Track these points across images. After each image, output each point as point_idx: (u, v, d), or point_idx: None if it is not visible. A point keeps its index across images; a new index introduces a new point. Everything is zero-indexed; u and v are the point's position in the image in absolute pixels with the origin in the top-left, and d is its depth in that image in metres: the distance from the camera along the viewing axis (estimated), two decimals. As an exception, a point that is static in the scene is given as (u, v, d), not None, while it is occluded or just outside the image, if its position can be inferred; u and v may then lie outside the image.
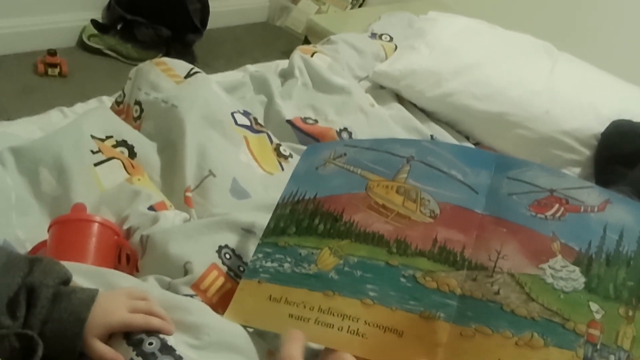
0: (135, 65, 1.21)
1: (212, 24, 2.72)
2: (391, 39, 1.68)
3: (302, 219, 0.75)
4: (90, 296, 0.65)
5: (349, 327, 0.65)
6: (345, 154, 0.78)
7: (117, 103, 1.16)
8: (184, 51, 2.59)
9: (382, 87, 1.53)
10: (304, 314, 0.68)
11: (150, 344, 0.64)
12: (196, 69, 1.17)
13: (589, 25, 2.18)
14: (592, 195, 0.67)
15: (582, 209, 0.66)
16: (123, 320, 0.65)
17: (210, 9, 2.68)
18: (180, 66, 1.17)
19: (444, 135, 1.44)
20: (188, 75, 1.15)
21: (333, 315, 0.66)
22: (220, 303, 0.78)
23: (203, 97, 1.09)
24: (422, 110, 1.50)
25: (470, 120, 1.47)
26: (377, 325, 0.64)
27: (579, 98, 1.45)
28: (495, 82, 1.45)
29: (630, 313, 0.61)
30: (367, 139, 0.81)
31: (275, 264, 0.73)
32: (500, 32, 1.66)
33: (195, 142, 1.02)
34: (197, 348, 0.65)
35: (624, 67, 1.73)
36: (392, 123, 1.36)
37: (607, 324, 0.60)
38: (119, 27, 2.56)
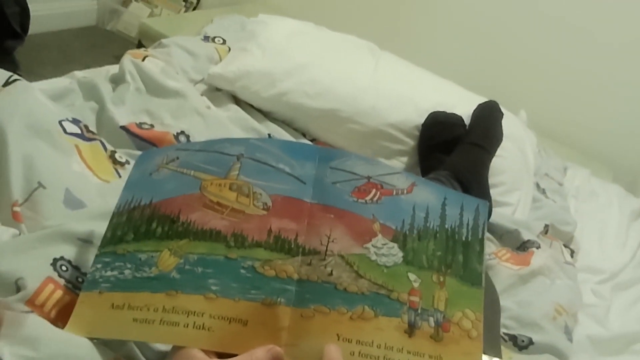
0: (-55, 75, 1.11)
1: (34, 28, 2.54)
2: (224, 41, 1.71)
3: (139, 224, 0.75)
4: None
5: (194, 322, 0.67)
6: (177, 158, 0.79)
7: None
8: (3, 59, 2.40)
9: (218, 90, 1.55)
10: (147, 317, 0.68)
11: None
12: (15, 77, 1.10)
13: (408, 26, 2.37)
14: (400, 179, 0.75)
15: (394, 192, 0.74)
16: None
17: (32, 13, 2.50)
18: (-3, 74, 1.10)
19: (281, 134, 1.49)
20: (6, 84, 1.07)
21: (177, 313, 0.67)
22: (60, 317, 0.75)
23: (25, 106, 1.03)
24: (259, 111, 1.54)
25: (305, 118, 1.54)
26: (221, 318, 0.67)
27: (400, 93, 1.59)
28: (325, 81, 1.53)
29: (442, 279, 0.70)
30: (198, 142, 0.83)
31: (115, 272, 0.72)
32: (327, 34, 1.75)
33: (20, 153, 0.97)
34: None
35: (436, 63, 1.91)
36: (229, 124, 1.39)
37: (424, 291, 0.69)
38: None
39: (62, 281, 0.78)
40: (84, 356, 0.67)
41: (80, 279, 0.80)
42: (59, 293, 0.77)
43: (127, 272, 0.72)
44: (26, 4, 2.47)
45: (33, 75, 2.20)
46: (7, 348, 0.63)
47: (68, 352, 0.65)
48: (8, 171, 0.95)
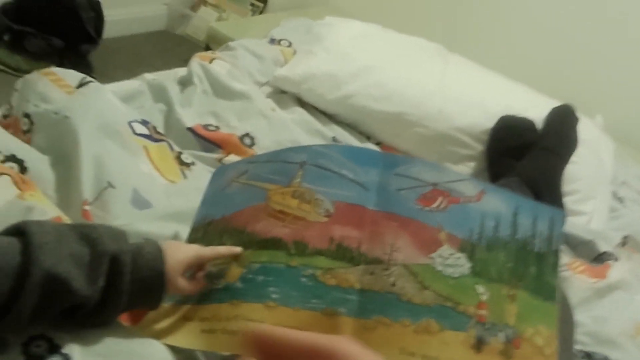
0: (26, 77, 1.15)
1: (108, 33, 2.63)
2: (290, 44, 1.71)
3: (212, 239, 0.76)
4: (157, 248, 0.68)
5: (253, 331, 0.66)
6: (247, 171, 0.80)
7: (4, 116, 1.11)
8: (78, 62, 2.49)
9: (283, 92, 1.55)
10: (212, 326, 0.68)
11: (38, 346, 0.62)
12: (89, 79, 1.13)
13: (477, 26, 2.30)
14: (469, 186, 0.71)
15: (462, 200, 0.70)
16: (194, 252, 0.70)
17: (106, 18, 2.59)
18: (71, 76, 1.13)
19: (346, 137, 1.47)
20: (80, 85, 1.11)
21: (238, 322, 0.67)
22: (126, 315, 0.76)
23: (97, 107, 1.06)
24: (324, 113, 1.53)
25: (370, 121, 1.51)
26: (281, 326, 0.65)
27: (469, 96, 1.54)
28: (391, 84, 1.50)
29: (512, 292, 0.66)
30: (265, 153, 0.83)
31: None
32: (394, 36, 1.72)
33: (91, 153, 0.99)
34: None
35: (506, 66, 1.84)
36: (294, 127, 1.38)
37: (493, 304, 0.65)
38: (5, 38, 2.42)
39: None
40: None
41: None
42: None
43: None
44: (101, 9, 2.56)
45: (106, 78, 2.27)
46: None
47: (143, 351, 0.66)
48: (79, 170, 0.97)
